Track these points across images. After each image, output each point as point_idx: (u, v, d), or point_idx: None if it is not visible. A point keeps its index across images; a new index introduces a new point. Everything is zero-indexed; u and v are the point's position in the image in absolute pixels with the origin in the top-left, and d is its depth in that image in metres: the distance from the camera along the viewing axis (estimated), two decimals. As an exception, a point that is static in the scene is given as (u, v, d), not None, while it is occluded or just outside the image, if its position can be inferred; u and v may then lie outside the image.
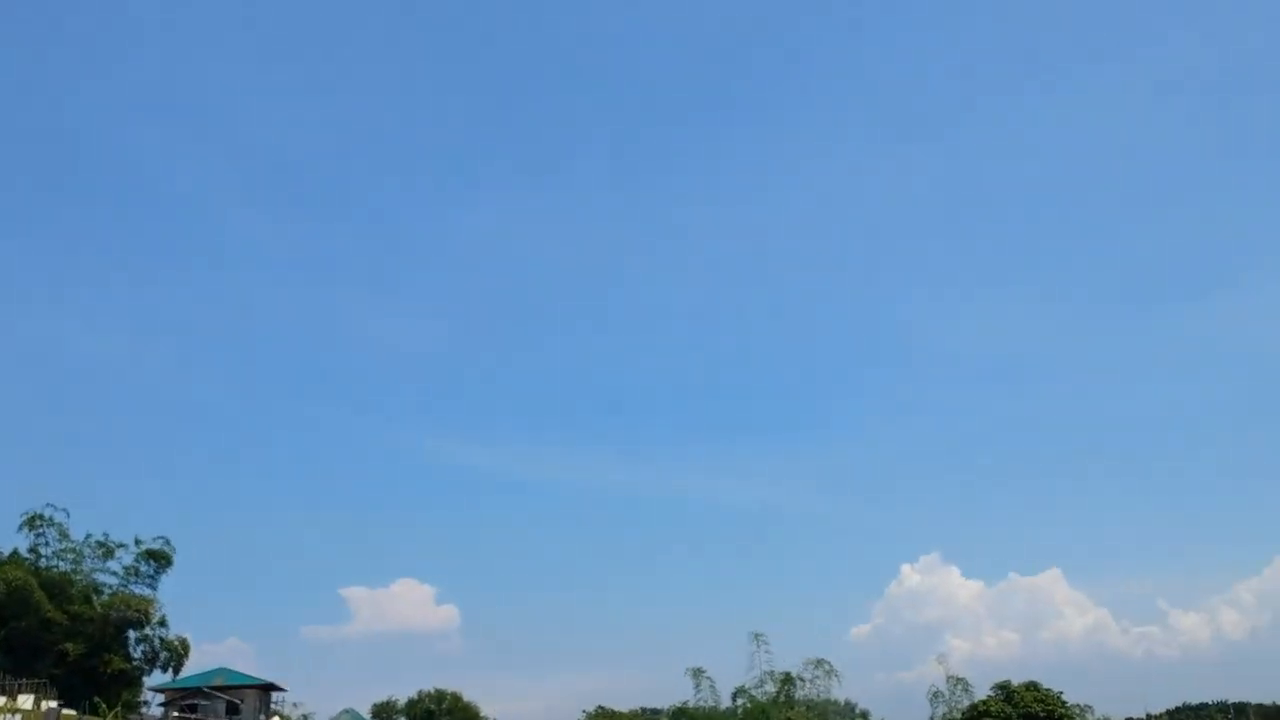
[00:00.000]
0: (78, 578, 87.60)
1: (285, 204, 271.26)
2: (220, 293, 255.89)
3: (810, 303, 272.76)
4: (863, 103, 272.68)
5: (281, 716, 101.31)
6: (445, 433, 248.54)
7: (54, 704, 68.04)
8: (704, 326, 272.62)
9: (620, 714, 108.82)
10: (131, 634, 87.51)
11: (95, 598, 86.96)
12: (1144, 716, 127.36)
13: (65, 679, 78.75)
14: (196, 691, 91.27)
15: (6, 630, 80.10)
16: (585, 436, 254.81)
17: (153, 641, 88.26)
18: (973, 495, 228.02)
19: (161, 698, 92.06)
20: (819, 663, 79.50)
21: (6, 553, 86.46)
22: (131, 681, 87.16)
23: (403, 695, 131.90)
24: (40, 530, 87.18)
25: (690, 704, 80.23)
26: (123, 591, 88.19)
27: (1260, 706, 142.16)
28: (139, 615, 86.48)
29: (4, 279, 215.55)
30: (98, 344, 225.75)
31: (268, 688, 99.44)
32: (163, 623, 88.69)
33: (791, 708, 77.11)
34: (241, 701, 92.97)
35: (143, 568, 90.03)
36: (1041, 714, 68.25)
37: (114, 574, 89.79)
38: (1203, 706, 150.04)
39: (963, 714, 73.36)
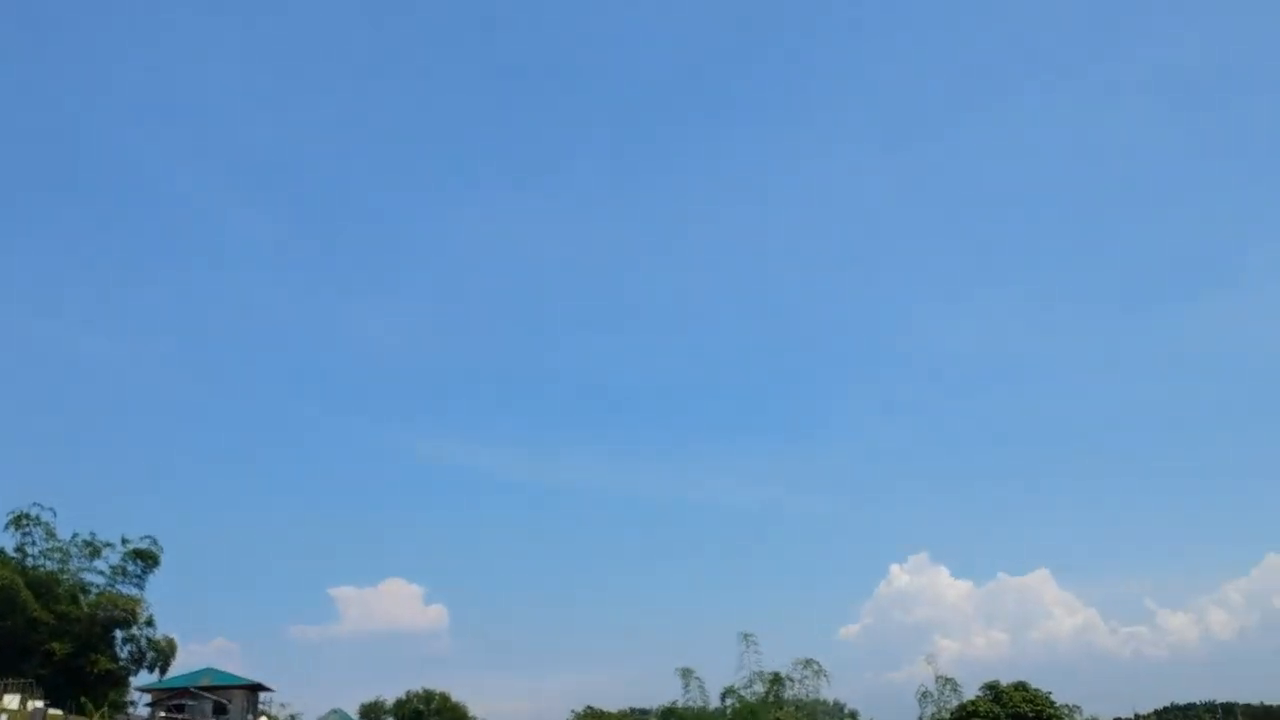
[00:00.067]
0: (64, 577, 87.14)
1: (282, 204, 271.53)
2: (211, 292, 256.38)
3: (802, 303, 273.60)
4: (861, 103, 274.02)
5: (269, 717, 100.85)
6: (435, 433, 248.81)
7: (40, 704, 67.75)
8: (696, 327, 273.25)
9: (609, 714, 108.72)
10: (118, 634, 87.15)
11: (82, 597, 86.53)
12: (1132, 716, 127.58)
13: (51, 679, 78.39)
14: (184, 691, 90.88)
15: (-8, 630, 79.75)
16: (575, 437, 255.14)
17: (139, 641, 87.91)
18: (961, 496, 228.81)
19: (148, 698, 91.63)
20: (808, 663, 79.76)
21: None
22: (118, 681, 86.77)
23: (391, 695, 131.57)
24: (27, 529, 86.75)
25: (679, 704, 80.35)
26: (109, 591, 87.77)
27: (1248, 706, 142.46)
28: (126, 615, 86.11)
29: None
30: (87, 343, 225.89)
31: (255, 688, 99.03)
32: (149, 623, 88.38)
33: (780, 708, 77.13)
34: (229, 702, 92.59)
35: (130, 567, 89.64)
36: (1030, 714, 68.30)
37: (101, 574, 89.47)
38: (1191, 706, 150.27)
39: (951, 714, 73.42)
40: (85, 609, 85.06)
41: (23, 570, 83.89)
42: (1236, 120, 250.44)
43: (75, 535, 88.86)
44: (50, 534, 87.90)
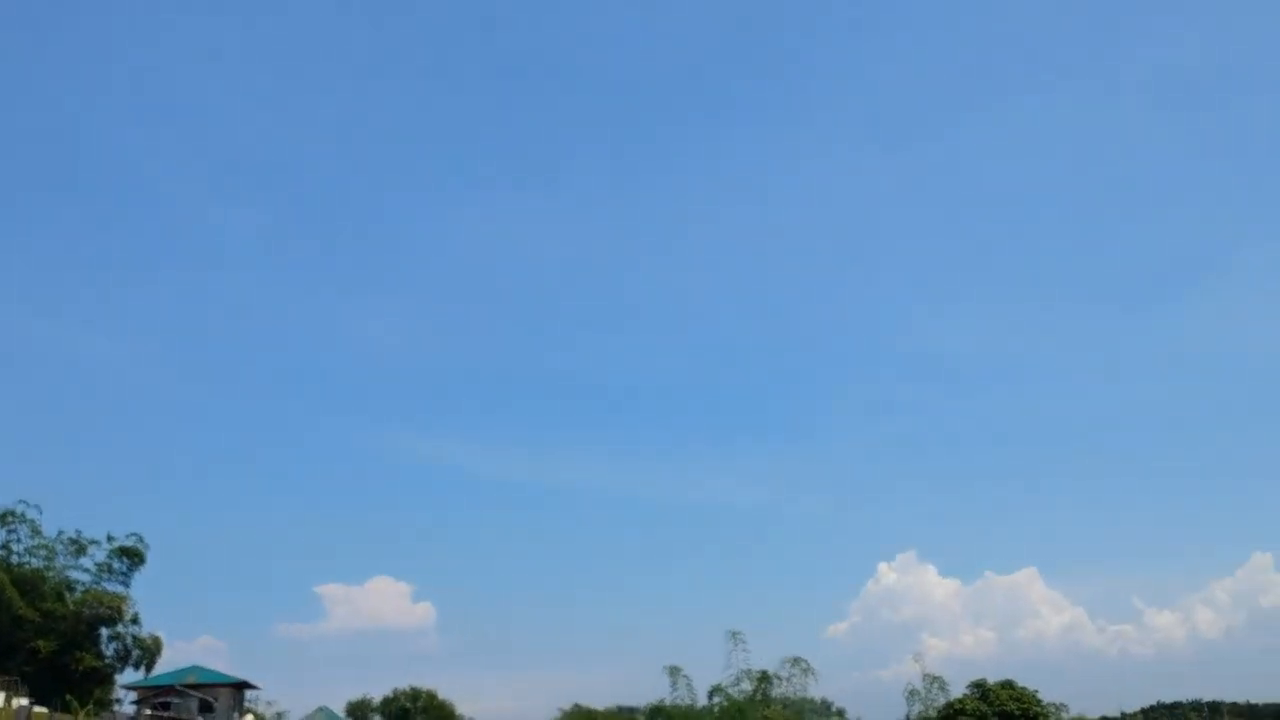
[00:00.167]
0: (50, 575, 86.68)
1: (282, 204, 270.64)
2: (203, 291, 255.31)
3: (794, 304, 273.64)
4: (861, 103, 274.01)
5: (255, 715, 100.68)
6: (423, 431, 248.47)
7: (25, 701, 67.46)
8: (688, 327, 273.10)
9: (597, 712, 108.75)
10: (104, 631, 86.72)
11: (68, 595, 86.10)
12: (1119, 715, 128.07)
13: (36, 676, 78.01)
14: (169, 689, 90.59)
15: (-23, 627, 79.37)
16: (564, 437, 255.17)
17: (125, 639, 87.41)
18: (949, 494, 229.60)
19: (134, 695, 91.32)
20: (796, 661, 79.80)
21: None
22: (104, 679, 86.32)
23: (378, 693, 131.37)
24: (12, 527, 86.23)
25: (667, 702, 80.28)
26: (95, 589, 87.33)
27: (1234, 705, 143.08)
28: (111, 613, 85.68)
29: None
30: (75, 341, 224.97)
31: (241, 686, 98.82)
32: (135, 620, 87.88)
33: (768, 706, 77.15)
34: (215, 700, 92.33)
35: (115, 565, 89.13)
36: (1017, 712, 68.31)
37: (86, 571, 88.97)
38: (1177, 705, 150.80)
39: (939, 712, 73.45)
40: (71, 606, 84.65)
41: (8, 568, 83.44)
42: (1235, 120, 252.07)
43: (61, 533, 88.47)
44: (36, 531, 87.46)
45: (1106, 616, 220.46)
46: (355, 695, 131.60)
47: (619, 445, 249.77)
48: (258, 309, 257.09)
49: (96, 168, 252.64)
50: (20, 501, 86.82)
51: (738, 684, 78.29)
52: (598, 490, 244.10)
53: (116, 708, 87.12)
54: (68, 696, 72.78)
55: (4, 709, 62.14)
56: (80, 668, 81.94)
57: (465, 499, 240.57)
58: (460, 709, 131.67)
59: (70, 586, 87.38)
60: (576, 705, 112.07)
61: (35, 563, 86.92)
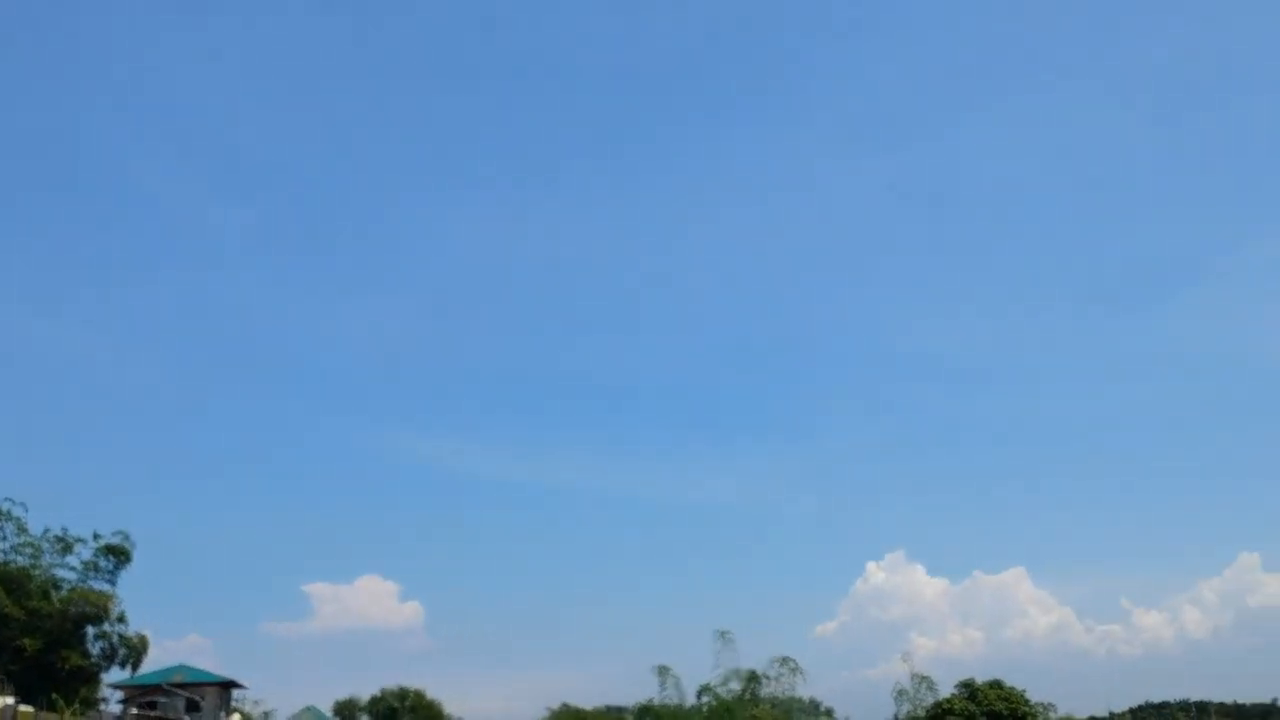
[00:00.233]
0: (36, 573, 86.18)
1: (272, 202, 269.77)
2: (189, 289, 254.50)
3: (785, 304, 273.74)
4: (856, 104, 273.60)
5: (242, 714, 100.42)
6: (411, 429, 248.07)
7: (10, 700, 67.14)
8: (678, 327, 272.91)
9: (585, 712, 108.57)
10: (90, 630, 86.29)
11: (54, 593, 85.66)
12: (1107, 715, 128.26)
13: (22, 675, 77.60)
14: (156, 688, 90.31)
15: (-38, 626, 78.96)
16: (554, 435, 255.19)
17: (111, 638, 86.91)
18: (938, 494, 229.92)
19: (120, 694, 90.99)
20: (784, 660, 79.77)
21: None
22: (90, 678, 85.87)
23: (366, 693, 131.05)
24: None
25: (655, 702, 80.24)
26: (81, 587, 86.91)
27: (1222, 705, 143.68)
28: (97, 611, 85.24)
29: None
30: (60, 338, 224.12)
31: (228, 685, 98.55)
32: (121, 619, 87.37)
33: (756, 705, 77.12)
34: (202, 699, 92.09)
35: (102, 563, 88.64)
36: (1005, 712, 68.38)
37: (73, 569, 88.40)
38: (1165, 705, 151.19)
39: (927, 712, 73.49)
40: (57, 605, 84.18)
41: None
42: (1233, 119, 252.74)
43: (47, 531, 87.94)
44: (22, 529, 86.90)
45: (1094, 616, 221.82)
46: (343, 694, 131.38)
47: (607, 445, 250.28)
48: (248, 308, 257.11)
49: (92, 167, 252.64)
50: (6, 499, 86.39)
51: (726, 684, 78.24)
52: (585, 490, 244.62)
53: (103, 707, 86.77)
54: (54, 695, 72.43)
55: (-11, 707, 61.87)
56: (66, 666, 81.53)
57: (454, 498, 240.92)
58: (448, 708, 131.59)
59: (56, 585, 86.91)
60: (565, 705, 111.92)
61: (21, 561, 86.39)
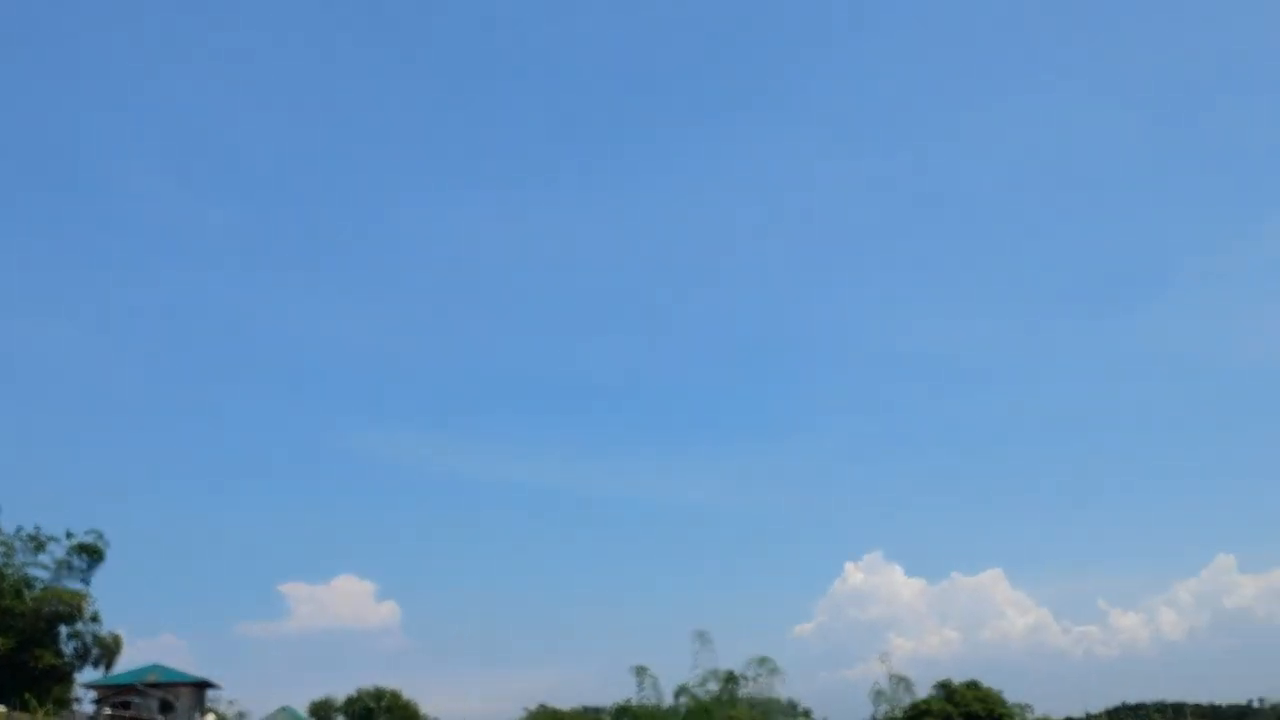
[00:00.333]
0: (8, 571, 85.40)
1: (255, 200, 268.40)
2: (166, 286, 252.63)
3: (757, 303, 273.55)
4: (843, 107, 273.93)
5: (217, 714, 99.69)
6: (388, 427, 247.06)
7: (-19, 700, 66.68)
8: (653, 325, 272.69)
9: (563, 713, 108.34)
10: (63, 629, 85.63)
11: (26, 592, 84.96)
12: (1083, 716, 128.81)
13: (-7, 675, 77.05)
14: (130, 688, 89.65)
15: (-66, 625, 78.21)
16: (529, 433, 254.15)
17: (84, 637, 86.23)
18: (915, 495, 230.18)
19: (94, 694, 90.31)
20: (762, 661, 79.95)
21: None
22: (62, 678, 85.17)
23: (341, 693, 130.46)
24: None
25: (633, 702, 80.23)
26: (54, 586, 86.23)
27: (1198, 706, 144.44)
28: (71, 610, 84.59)
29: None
30: (28, 333, 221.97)
31: (202, 685, 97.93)
32: (95, 618, 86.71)
33: (734, 706, 77.14)
34: (176, 699, 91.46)
35: (75, 562, 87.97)
36: (982, 712, 68.66)
37: (45, 568, 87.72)
38: (1141, 706, 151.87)
39: (905, 712, 73.70)
40: (29, 604, 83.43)
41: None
42: (1227, 120, 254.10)
43: (19, 529, 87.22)
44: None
45: (1071, 617, 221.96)
46: (318, 695, 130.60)
47: (585, 446, 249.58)
48: (228, 306, 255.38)
49: (36, 155, 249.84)
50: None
51: (704, 684, 78.32)
52: (562, 490, 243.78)
53: (76, 707, 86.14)
54: (26, 695, 71.88)
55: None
56: (39, 666, 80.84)
57: (431, 498, 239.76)
58: (424, 708, 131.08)
59: (29, 583, 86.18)
60: (542, 705, 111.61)
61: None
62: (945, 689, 71.68)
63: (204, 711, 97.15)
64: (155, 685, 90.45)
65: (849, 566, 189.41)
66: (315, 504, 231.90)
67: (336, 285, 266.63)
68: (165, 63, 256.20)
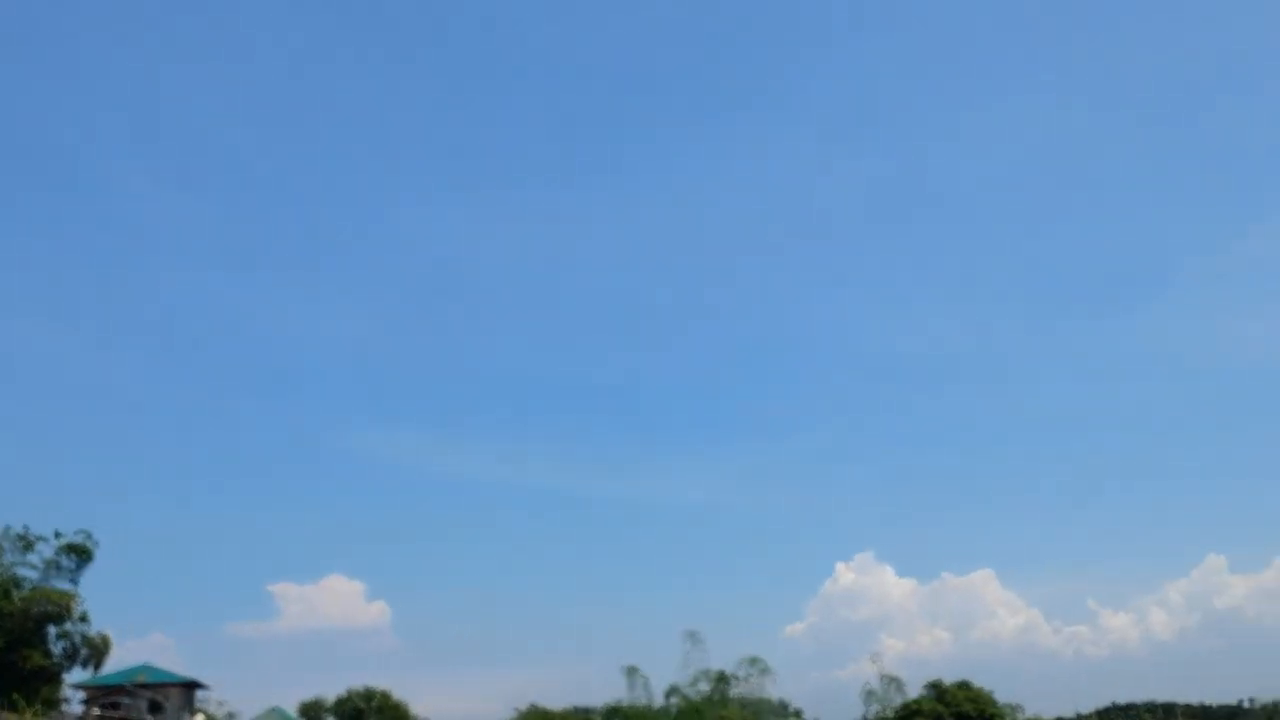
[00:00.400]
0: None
1: (241, 198, 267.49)
2: (151, 285, 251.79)
3: (746, 303, 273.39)
4: (833, 107, 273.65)
5: (206, 715, 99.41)
6: (378, 427, 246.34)
7: (-31, 700, 66.47)
8: (649, 325, 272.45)
9: (553, 713, 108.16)
10: (51, 629, 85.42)
11: (14, 592, 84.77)
12: (1074, 716, 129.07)
13: (-19, 675, 76.85)
14: (119, 689, 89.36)
15: (-78, 624, 78.00)
16: (520, 433, 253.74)
17: (73, 637, 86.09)
18: (907, 495, 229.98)
19: (82, 695, 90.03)
20: (753, 661, 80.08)
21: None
22: (51, 678, 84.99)
23: (331, 693, 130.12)
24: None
25: (624, 702, 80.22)
26: (42, 586, 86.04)
27: (1188, 706, 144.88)
28: (59, 610, 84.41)
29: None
30: (22, 332, 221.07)
31: (192, 685, 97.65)
32: (84, 618, 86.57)
33: (725, 706, 77.18)
34: (165, 699, 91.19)
35: (64, 562, 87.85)
36: (973, 712, 68.72)
37: (34, 568, 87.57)
38: (1131, 706, 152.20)
39: (895, 712, 73.79)
40: (17, 604, 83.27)
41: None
42: (1219, 120, 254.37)
43: (8, 529, 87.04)
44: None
45: (1062, 618, 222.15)
46: (308, 695, 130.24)
47: (575, 445, 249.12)
48: (215, 306, 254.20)
49: (69, 164, 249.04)
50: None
51: (695, 684, 78.34)
52: (554, 490, 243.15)
53: (65, 707, 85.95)
54: (14, 695, 71.69)
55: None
56: (27, 666, 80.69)
57: (420, 497, 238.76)
58: (415, 709, 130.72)
59: (17, 583, 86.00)
60: (533, 705, 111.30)
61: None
62: (936, 689, 71.75)
63: (193, 712, 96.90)
64: (144, 685, 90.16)
65: (840, 567, 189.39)
66: (305, 504, 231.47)
67: (332, 285, 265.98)
68: (164, 63, 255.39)
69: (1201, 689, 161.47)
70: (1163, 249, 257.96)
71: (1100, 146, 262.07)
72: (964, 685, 71.01)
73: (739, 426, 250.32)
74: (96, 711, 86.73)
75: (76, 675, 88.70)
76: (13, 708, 68.07)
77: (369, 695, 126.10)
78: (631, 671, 78.52)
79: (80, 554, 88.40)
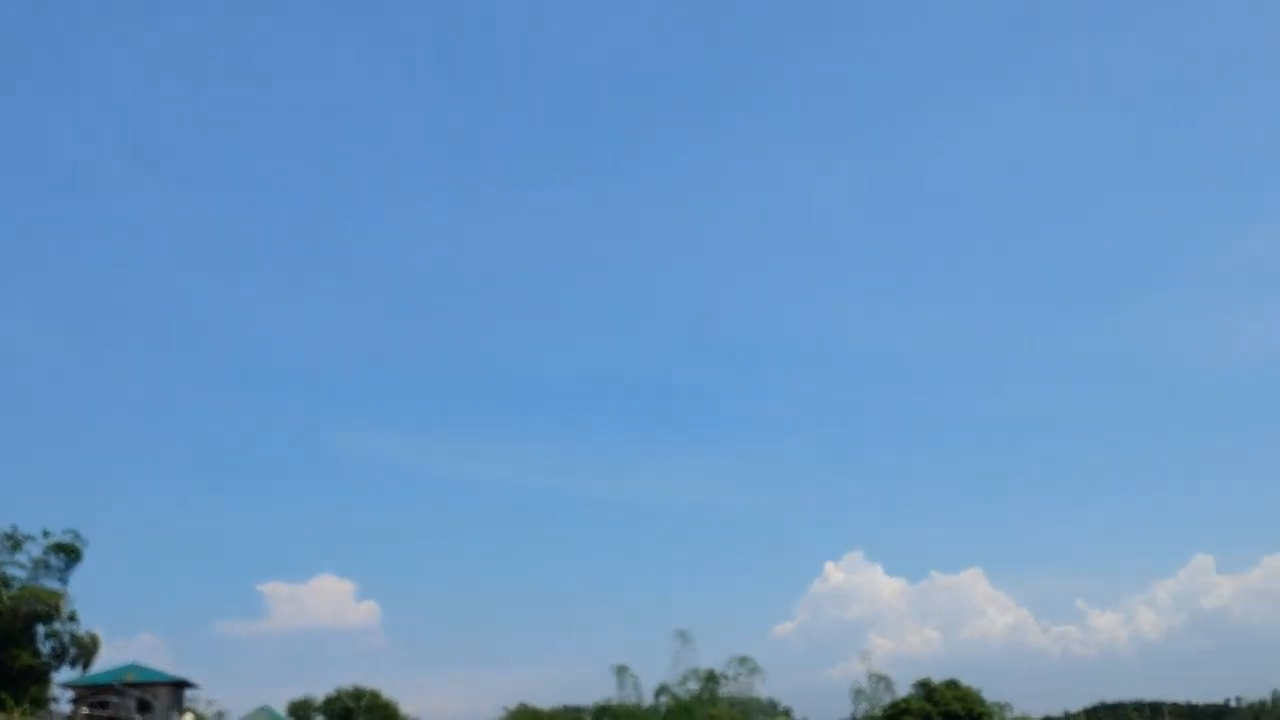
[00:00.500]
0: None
1: (230, 197, 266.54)
2: (138, 283, 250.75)
3: (733, 301, 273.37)
4: (819, 105, 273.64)
5: (195, 714, 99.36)
6: (369, 427, 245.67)
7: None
8: (632, 324, 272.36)
9: (543, 712, 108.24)
10: (40, 629, 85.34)
11: (3, 591, 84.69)
12: (1062, 715, 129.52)
13: (-31, 674, 76.74)
14: (108, 688, 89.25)
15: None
16: (509, 432, 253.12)
17: (62, 637, 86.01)
18: (896, 494, 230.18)
19: (71, 694, 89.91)
20: (742, 660, 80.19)
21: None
22: (40, 677, 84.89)
23: (321, 693, 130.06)
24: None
25: (613, 702, 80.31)
26: (31, 585, 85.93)
27: (1175, 706, 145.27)
28: (48, 609, 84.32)
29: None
30: (17, 332, 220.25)
31: (181, 685, 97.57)
32: (73, 618, 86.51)
33: (715, 705, 77.33)
34: (154, 699, 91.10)
35: (52, 561, 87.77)
36: (961, 712, 68.93)
37: (22, 567, 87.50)
38: (1119, 705, 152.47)
39: (884, 711, 73.97)
40: (6, 603, 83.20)
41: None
42: (1230, 118, 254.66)
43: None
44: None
45: (1050, 617, 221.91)
46: (297, 695, 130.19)
47: (565, 445, 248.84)
48: (203, 304, 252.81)
49: (67, 164, 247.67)
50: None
51: (685, 683, 78.44)
52: (544, 490, 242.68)
53: (53, 706, 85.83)
54: (3, 695, 71.63)
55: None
56: (16, 665, 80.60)
57: (411, 497, 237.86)
58: (404, 708, 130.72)
59: (6, 582, 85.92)
60: (522, 705, 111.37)
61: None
62: (925, 688, 71.92)
63: (182, 711, 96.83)
64: (133, 685, 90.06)
65: (829, 566, 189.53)
66: (295, 503, 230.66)
67: (331, 285, 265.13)
68: (163, 63, 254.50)
69: (1189, 688, 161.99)
70: (1162, 249, 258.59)
71: (1100, 146, 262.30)
72: (952, 684, 71.19)
73: (729, 426, 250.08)
74: (85, 711, 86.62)
75: (65, 674, 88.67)
76: (1, 707, 67.98)
77: (358, 695, 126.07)
78: (621, 671, 78.63)
79: (69, 553, 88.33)
